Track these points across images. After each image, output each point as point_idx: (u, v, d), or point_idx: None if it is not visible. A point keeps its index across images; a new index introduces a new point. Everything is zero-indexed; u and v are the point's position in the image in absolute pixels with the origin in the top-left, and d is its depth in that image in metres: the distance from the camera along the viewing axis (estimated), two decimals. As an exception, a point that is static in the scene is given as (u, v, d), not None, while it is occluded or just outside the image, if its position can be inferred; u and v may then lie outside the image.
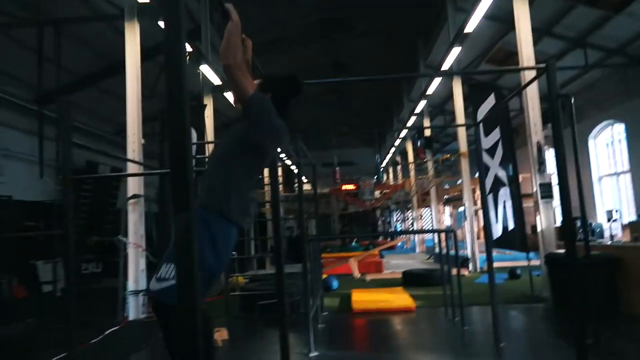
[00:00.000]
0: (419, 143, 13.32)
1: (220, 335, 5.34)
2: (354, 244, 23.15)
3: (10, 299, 8.34)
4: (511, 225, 7.45)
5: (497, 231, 7.78)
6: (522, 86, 4.78)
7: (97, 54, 11.04)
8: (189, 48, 8.17)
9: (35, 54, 8.85)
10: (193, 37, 11.38)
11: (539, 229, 6.92)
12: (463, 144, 11.50)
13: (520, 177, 11.61)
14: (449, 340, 5.07)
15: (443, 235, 6.69)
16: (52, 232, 10.58)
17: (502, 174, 7.57)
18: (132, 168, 7.16)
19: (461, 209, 14.17)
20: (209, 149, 8.36)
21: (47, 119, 9.70)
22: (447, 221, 21.06)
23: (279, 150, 2.43)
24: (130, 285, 6.81)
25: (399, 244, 24.55)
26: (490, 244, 5.18)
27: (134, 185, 7.11)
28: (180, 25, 1.41)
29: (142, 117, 7.79)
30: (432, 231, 8.89)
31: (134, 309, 6.77)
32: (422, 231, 10.51)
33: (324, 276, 8.69)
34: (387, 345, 4.89)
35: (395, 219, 26.45)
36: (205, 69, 10.19)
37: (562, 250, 6.42)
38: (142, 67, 7.86)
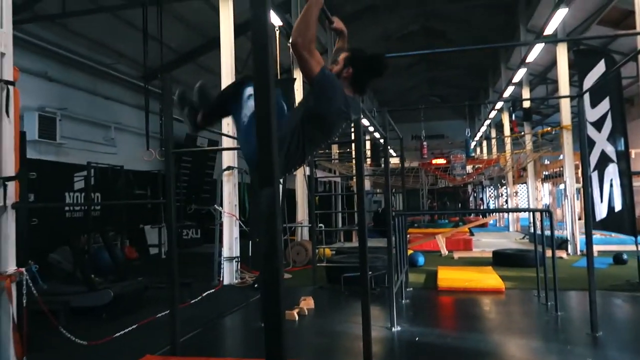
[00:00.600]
0: (513, 116, 12.47)
1: (307, 303, 5.55)
2: (445, 220, 22.69)
3: (123, 259, 9.26)
4: (618, 206, 6.84)
5: (601, 212, 7.18)
6: (638, 51, 4.27)
7: (195, 31, 11.59)
8: (279, 22, 8.29)
9: (141, 33, 9.50)
10: (283, 10, 11.55)
11: (651, 211, 6.28)
12: (566, 117, 10.62)
13: (632, 152, 10.55)
14: (540, 325, 4.84)
15: (539, 214, 6.31)
16: (157, 200, 11.51)
17: (610, 150, 6.92)
18: (226, 142, 7.52)
19: (561, 186, 13.20)
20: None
21: (152, 94, 10.43)
22: (545, 199, 19.80)
23: (343, 126, 2.42)
24: (225, 252, 7.26)
25: (491, 221, 23.60)
26: (590, 223, 4.81)
27: (228, 158, 7.48)
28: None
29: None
30: (527, 210, 8.40)
31: (229, 274, 7.22)
32: (515, 210, 9.97)
33: (410, 252, 8.63)
34: (472, 325, 4.79)
35: (488, 195, 25.37)
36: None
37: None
38: (235, 43, 8.12)
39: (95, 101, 10.56)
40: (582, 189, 5.31)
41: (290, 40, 2.16)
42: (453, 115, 28.29)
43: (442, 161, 17.70)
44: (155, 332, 4.67)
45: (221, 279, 7.25)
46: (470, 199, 26.98)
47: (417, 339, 4.32)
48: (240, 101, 2.34)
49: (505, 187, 20.54)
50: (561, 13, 9.07)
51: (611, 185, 6.97)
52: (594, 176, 7.24)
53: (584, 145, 4.90)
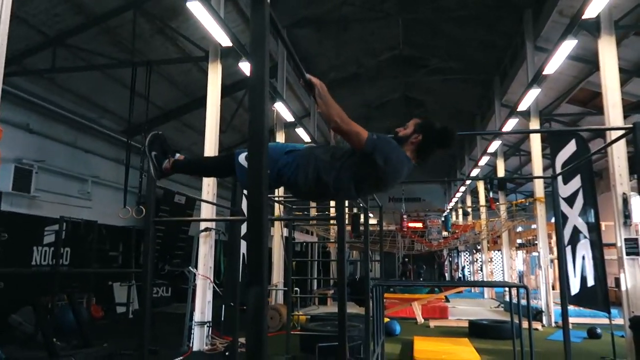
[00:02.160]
0: (491, 193, 12.80)
1: (280, 376, 5.35)
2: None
3: (89, 319, 8.87)
4: (591, 282, 6.94)
5: (575, 286, 7.26)
6: (606, 144, 4.50)
7: (181, 90, 11.81)
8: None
9: (128, 90, 9.64)
10: (270, 75, 11.95)
11: (623, 288, 6.39)
12: (539, 189, 10.95)
13: (603, 225, 10.84)
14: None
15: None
16: (129, 257, 11.22)
17: (581, 225, 7.11)
18: (205, 206, 7.48)
19: (535, 254, 13.42)
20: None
21: (133, 149, 10.41)
22: (519, 266, 19.99)
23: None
24: (197, 316, 7.03)
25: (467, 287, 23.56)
26: (566, 301, 4.85)
27: (206, 222, 7.41)
28: (264, 72, 1.49)
29: (218, 147, 8.17)
30: (503, 285, 8.45)
31: (199, 340, 6.96)
32: (491, 284, 10.01)
33: (386, 320, 8.50)
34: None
35: (463, 260, 25.47)
36: (279, 106, 10.56)
37: (650, 315, 5.88)
38: (221, 103, 8.28)
39: (74, 154, 10.49)
40: (556, 263, 5.40)
41: (332, 127, 2.26)
42: (428, 177, 28.86)
43: (418, 225, 17.83)
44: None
45: (191, 344, 6.97)
46: (446, 263, 27.03)
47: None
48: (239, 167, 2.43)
49: (480, 252, 20.71)
50: (534, 92, 9.57)
51: (583, 260, 7.10)
52: (567, 250, 7.38)
53: (558, 223, 5.03)
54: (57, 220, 9.48)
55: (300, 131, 12.33)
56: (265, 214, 1.55)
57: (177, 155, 2.73)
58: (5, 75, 3.74)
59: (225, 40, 7.30)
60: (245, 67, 8.27)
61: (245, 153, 2.37)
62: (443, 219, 14.24)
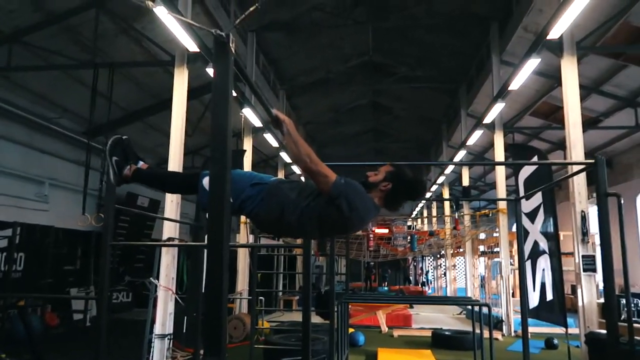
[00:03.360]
0: (456, 214, 13.01)
1: (241, 394, 5.25)
2: (384, 288, 22.74)
3: (41, 328, 8.52)
4: (550, 296, 7.11)
5: (534, 300, 7.44)
6: (567, 175, 4.60)
7: (146, 91, 11.48)
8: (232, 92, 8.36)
9: (89, 89, 9.29)
10: (237, 80, 11.76)
11: (579, 303, 6.58)
12: (502, 193, 11.16)
13: (561, 235, 11.18)
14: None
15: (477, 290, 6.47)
16: (86, 261, 10.84)
17: (542, 242, 7.29)
18: (169, 210, 7.28)
19: (497, 259, 13.75)
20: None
21: (93, 150, 10.05)
22: (481, 270, 20.46)
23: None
24: (157, 328, 6.83)
25: (430, 290, 23.95)
26: (526, 315, 4.93)
27: (169, 228, 7.21)
28: (228, 81, 1.43)
29: (183, 151, 7.96)
30: (465, 303, 8.57)
31: (159, 353, 6.76)
32: (454, 301, 10.17)
33: (351, 330, 8.51)
34: None
35: (427, 265, 25.89)
36: (247, 112, 10.41)
37: (604, 331, 6.06)
38: (187, 106, 8.08)
39: (30, 155, 10.04)
40: (516, 273, 5.49)
41: (300, 167, 2.20)
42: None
43: (384, 231, 17.94)
44: None
45: (150, 357, 6.76)
46: (410, 267, 27.39)
47: None
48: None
49: (444, 258, 21.08)
50: (498, 107, 9.76)
51: (543, 273, 7.27)
52: (528, 265, 7.55)
53: (520, 242, 5.10)
54: (11, 224, 9.09)
55: (269, 136, 12.21)
56: (226, 248, 1.48)
57: (141, 163, 2.58)
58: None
59: (192, 46, 7.12)
60: (212, 72, 8.08)
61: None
62: (409, 238, 14.37)
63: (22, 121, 9.66)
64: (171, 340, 7.00)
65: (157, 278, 7.11)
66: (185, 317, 7.67)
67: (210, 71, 8.26)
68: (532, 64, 7.73)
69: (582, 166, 3.39)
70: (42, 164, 10.37)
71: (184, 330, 7.63)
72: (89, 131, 10.31)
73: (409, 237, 17.55)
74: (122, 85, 10.31)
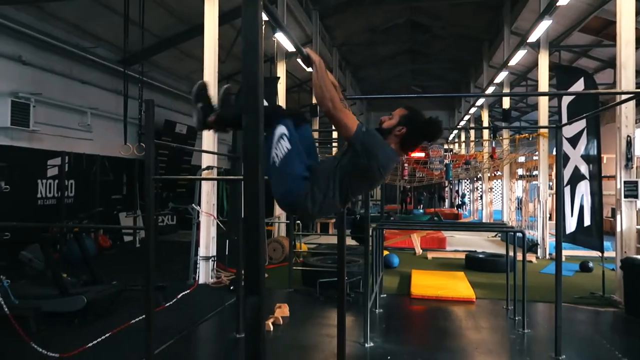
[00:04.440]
0: (493, 143, 12.61)
1: (282, 312, 5.61)
2: (420, 211, 22.99)
3: (95, 250, 9.17)
4: (587, 221, 7.07)
5: (571, 225, 7.41)
6: (614, 103, 4.34)
7: (178, 17, 11.32)
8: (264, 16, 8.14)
9: (121, 17, 9.25)
10: (269, 1, 11.37)
11: (617, 229, 6.51)
12: (544, 119, 10.72)
13: (604, 157, 10.81)
14: (507, 344, 5.01)
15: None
16: (132, 187, 11.35)
17: (582, 166, 7.12)
18: (206, 139, 7.43)
19: (535, 182, 13.55)
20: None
21: (130, 79, 10.18)
22: (518, 193, 20.29)
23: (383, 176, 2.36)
24: (202, 251, 7.25)
25: (465, 213, 24.07)
26: (560, 236, 4.94)
27: (208, 156, 7.40)
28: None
29: (217, 78, 7.97)
30: (501, 230, 8.55)
31: (204, 273, 7.23)
32: (490, 229, 10.12)
33: (385, 252, 8.77)
34: (442, 343, 4.93)
35: (464, 188, 25.81)
36: (279, 36, 10.15)
37: (641, 256, 6.04)
38: (220, 31, 7.96)
39: (71, 86, 10.26)
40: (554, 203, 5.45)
41: (323, 110, 2.14)
42: (433, 106, 28.45)
43: (420, 154, 17.80)
44: (130, 339, 4.67)
45: (197, 278, 7.25)
46: (446, 190, 27.44)
47: (389, 358, 4.43)
48: (271, 138, 2.22)
49: (480, 181, 20.91)
50: (545, 24, 9.14)
51: (582, 199, 7.18)
52: (566, 191, 7.45)
53: (559, 170, 4.99)
54: (59, 153, 9.54)
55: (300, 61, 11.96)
56: (261, 197, 1.54)
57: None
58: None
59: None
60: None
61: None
62: (444, 164, 14.18)
63: (60, 52, 9.79)
64: (215, 262, 7.43)
65: (199, 204, 7.44)
66: (227, 240, 8.06)
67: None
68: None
69: (633, 91, 3.21)
70: (83, 93, 10.62)
71: (227, 252, 8.05)
72: (124, 60, 10.38)
73: (446, 161, 17.42)
74: (154, 11, 10.19)
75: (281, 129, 2.23)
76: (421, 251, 10.74)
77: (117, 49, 10.82)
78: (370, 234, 5.62)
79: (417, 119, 2.30)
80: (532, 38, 10.12)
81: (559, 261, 4.69)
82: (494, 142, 12.20)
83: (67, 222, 8.96)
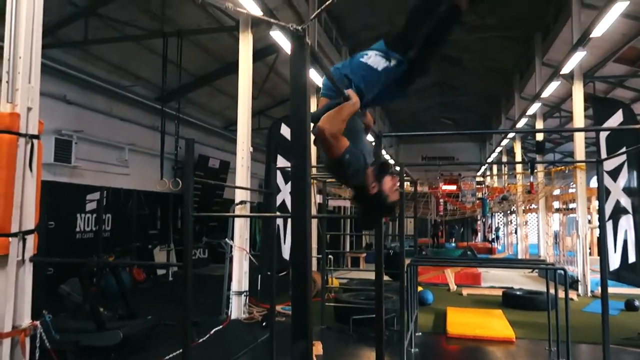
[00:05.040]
0: (531, 178, 12.40)
1: (316, 349, 5.52)
2: (452, 244, 22.54)
3: (130, 283, 9.30)
4: (632, 258, 6.78)
5: (614, 262, 7.12)
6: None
7: (212, 56, 11.72)
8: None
9: (160, 57, 9.65)
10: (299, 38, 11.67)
11: (666, 266, 6.21)
12: (580, 154, 10.49)
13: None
14: (551, 386, 4.78)
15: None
16: (169, 220, 11.55)
17: (625, 201, 6.89)
18: (240, 174, 7.54)
19: (572, 215, 13.15)
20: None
21: (167, 115, 10.52)
22: (555, 226, 19.68)
23: None
24: (234, 286, 7.26)
25: (499, 247, 23.44)
26: (606, 274, 4.74)
27: (241, 191, 7.50)
28: (305, 75, 1.46)
29: (251, 113, 8.13)
30: (540, 267, 8.29)
31: (237, 308, 7.21)
32: (528, 265, 9.77)
33: (419, 289, 8.57)
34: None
35: (497, 222, 25.24)
36: (312, 72, 10.35)
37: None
38: (252, 68, 8.19)
39: (111, 123, 10.66)
40: (595, 230, 5.26)
41: (318, 125, 2.17)
42: (464, 138, 28.28)
43: (452, 187, 17.60)
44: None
45: (229, 312, 7.23)
46: (479, 223, 26.85)
47: (427, 401, 4.27)
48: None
49: (514, 214, 20.42)
50: (579, 55, 9.05)
51: (625, 237, 6.92)
52: (608, 225, 7.19)
53: (602, 203, 4.84)
54: (98, 188, 9.84)
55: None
56: (309, 230, 1.54)
57: None
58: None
59: (256, 10, 7.12)
60: (276, 35, 8.08)
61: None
62: (479, 198, 13.96)
63: (102, 91, 10.23)
64: (247, 297, 7.41)
65: (232, 238, 7.50)
66: (260, 275, 8.06)
67: (274, 34, 8.27)
68: (619, 7, 7.05)
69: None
70: (122, 130, 11.00)
71: (259, 287, 8.04)
72: (162, 97, 10.77)
73: (478, 194, 17.14)
74: (190, 51, 10.57)
75: None
76: (455, 287, 10.46)
77: (155, 87, 11.23)
78: (405, 269, 5.53)
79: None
80: (566, 69, 10.03)
81: (605, 299, 4.50)
82: (531, 178, 11.95)
83: (104, 255, 9.14)
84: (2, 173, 3.36)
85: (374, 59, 2.43)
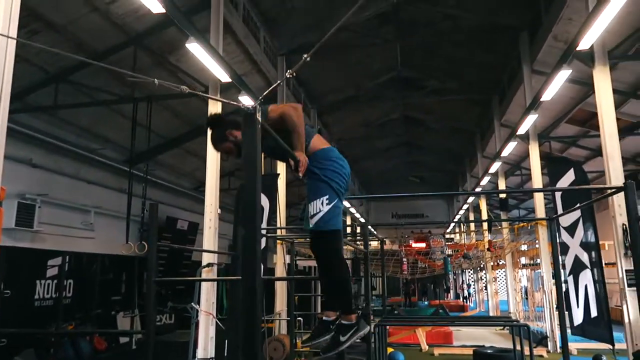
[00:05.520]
0: (489, 236, 12.79)
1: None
2: (425, 303, 22.44)
3: (90, 352, 8.87)
4: (594, 312, 6.92)
5: (578, 317, 7.24)
6: (603, 196, 4.52)
7: (182, 118, 11.92)
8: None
9: (129, 121, 9.75)
10: (269, 102, 12.06)
11: (625, 320, 6.37)
12: (541, 211, 10.92)
13: (606, 244, 10.80)
14: None
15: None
16: (131, 285, 11.22)
17: (583, 255, 7.11)
18: (207, 235, 7.52)
19: (538, 270, 13.41)
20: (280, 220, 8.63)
21: (135, 177, 10.47)
22: (523, 282, 19.92)
23: None
24: (200, 352, 7.02)
25: (471, 305, 23.48)
26: (565, 331, 4.81)
27: (208, 254, 7.44)
28: (256, 150, 1.57)
29: (219, 174, 8.21)
30: (504, 324, 8.38)
31: (203, 377, 6.95)
32: (493, 323, 9.88)
33: (390, 350, 8.47)
34: None
35: (468, 278, 25.40)
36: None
37: (654, 348, 5.85)
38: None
39: (77, 185, 10.54)
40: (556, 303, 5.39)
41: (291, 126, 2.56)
42: (432, 196, 28.93)
43: (422, 245, 17.79)
44: None
45: (195, 381, 6.95)
46: (450, 280, 26.94)
47: None
48: None
49: (484, 271, 20.64)
50: (531, 118, 9.62)
51: (586, 290, 7.09)
52: (570, 280, 7.38)
53: (557, 261, 5.02)
54: (60, 253, 9.56)
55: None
56: (260, 292, 1.60)
57: None
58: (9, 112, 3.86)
59: (224, 77, 7.40)
60: (245, 100, 8.36)
61: None
62: (442, 258, 14.21)
63: (69, 154, 10.18)
64: (214, 364, 7.17)
65: (198, 303, 7.33)
66: (226, 340, 7.82)
67: (243, 99, 8.55)
68: (564, 75, 7.63)
69: (619, 186, 3.35)
70: (88, 193, 10.87)
71: (225, 353, 7.78)
72: (130, 159, 10.77)
73: (448, 251, 17.35)
74: (160, 115, 10.74)
75: None
76: (427, 347, 10.36)
77: (124, 150, 11.25)
78: (372, 330, 5.51)
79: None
80: (521, 131, 10.60)
81: (566, 356, 4.56)
82: (489, 235, 12.27)
83: (63, 324, 8.77)
84: (-43, 241, 3.30)
85: None
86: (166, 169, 13.79)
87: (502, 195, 14.93)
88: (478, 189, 18.59)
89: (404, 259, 14.66)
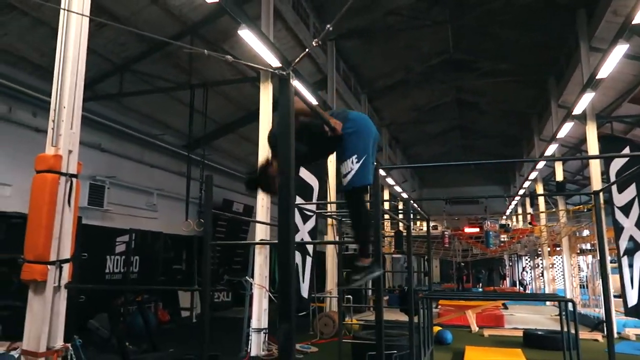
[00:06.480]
0: (531, 210, 12.49)
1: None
2: (479, 289, 22.14)
3: (156, 323, 9.57)
4: (650, 294, 6.75)
5: (632, 298, 7.08)
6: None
7: (236, 104, 12.41)
8: (314, 101, 8.87)
9: (187, 107, 10.32)
10: (320, 87, 12.28)
11: (684, 301, 6.17)
12: (597, 187, 10.50)
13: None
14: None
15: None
16: (193, 263, 11.91)
17: (639, 236, 6.93)
18: (260, 214, 7.91)
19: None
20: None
21: (193, 162, 11.08)
22: (582, 271, 19.20)
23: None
24: (254, 323, 7.46)
25: (528, 292, 22.89)
26: (611, 320, 4.78)
27: (261, 230, 7.84)
28: (290, 113, 1.81)
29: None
30: (547, 299, 8.26)
31: (256, 345, 7.38)
32: (536, 297, 9.73)
33: (438, 329, 8.59)
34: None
35: (524, 265, 24.76)
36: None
37: None
38: (273, 116, 8.71)
39: (141, 169, 11.31)
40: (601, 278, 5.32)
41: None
42: (488, 182, 28.25)
43: (475, 230, 17.55)
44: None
45: (248, 350, 7.40)
46: (507, 268, 26.35)
47: None
48: None
49: (540, 258, 20.07)
50: (588, 96, 9.31)
51: (642, 272, 6.91)
52: (624, 261, 7.21)
53: (602, 245, 4.97)
54: (127, 231, 10.32)
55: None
56: (292, 249, 1.85)
57: None
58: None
59: (275, 63, 7.70)
60: (296, 84, 8.63)
61: None
62: (492, 232, 13.98)
63: (133, 140, 10.94)
64: (266, 334, 7.59)
65: (252, 277, 7.77)
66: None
67: (294, 83, 8.84)
68: (620, 50, 7.36)
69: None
70: (151, 176, 11.63)
71: (278, 325, 8.20)
72: (188, 144, 11.39)
73: (501, 236, 17.02)
74: (215, 101, 11.26)
75: None
76: (477, 328, 10.36)
77: (183, 135, 11.90)
78: (420, 305, 5.69)
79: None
80: (577, 110, 10.26)
81: (610, 342, 4.54)
82: (531, 210, 11.97)
83: (131, 295, 9.51)
84: (44, 207, 3.81)
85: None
86: (222, 154, 14.40)
87: (559, 179, 14.45)
88: (534, 174, 18.05)
89: (446, 233, 14.55)
